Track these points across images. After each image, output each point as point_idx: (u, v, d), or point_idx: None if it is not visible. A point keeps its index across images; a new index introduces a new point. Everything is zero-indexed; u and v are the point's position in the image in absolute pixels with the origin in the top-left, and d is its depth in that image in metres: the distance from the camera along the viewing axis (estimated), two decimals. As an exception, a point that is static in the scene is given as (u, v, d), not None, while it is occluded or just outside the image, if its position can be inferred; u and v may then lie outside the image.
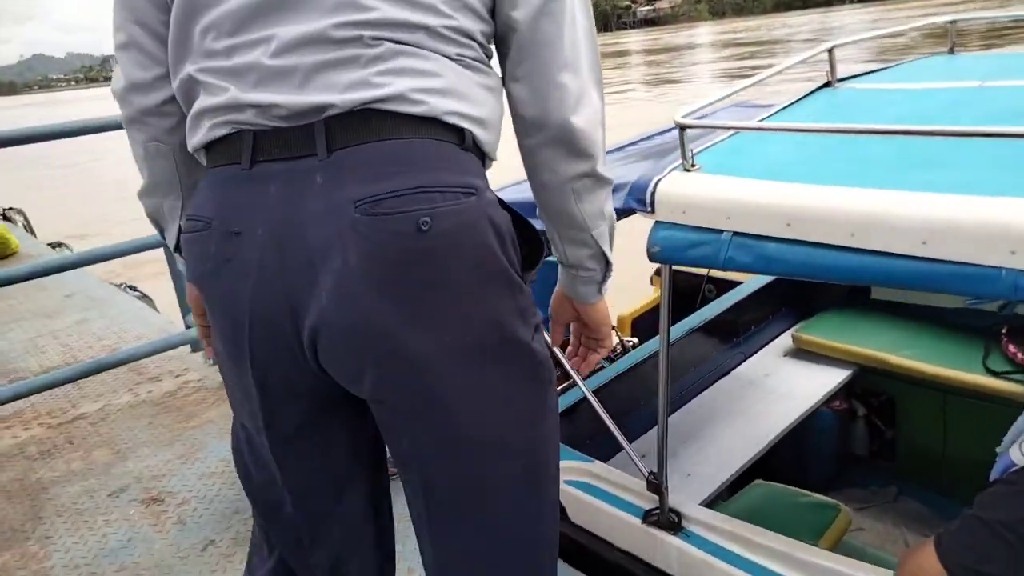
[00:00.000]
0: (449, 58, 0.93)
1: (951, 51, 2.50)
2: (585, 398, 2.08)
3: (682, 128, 1.61)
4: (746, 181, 1.55)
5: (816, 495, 2.20)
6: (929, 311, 2.81)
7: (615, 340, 3.23)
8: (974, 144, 1.45)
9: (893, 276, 1.30)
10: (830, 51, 2.15)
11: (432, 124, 0.91)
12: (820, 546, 1.93)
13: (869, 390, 2.81)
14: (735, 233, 1.50)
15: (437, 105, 0.91)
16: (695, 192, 1.58)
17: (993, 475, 1.56)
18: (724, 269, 1.56)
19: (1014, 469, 1.38)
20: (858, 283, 1.35)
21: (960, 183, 1.30)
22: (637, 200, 1.67)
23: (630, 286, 3.33)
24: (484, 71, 0.99)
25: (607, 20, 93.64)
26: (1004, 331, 2.46)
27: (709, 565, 1.75)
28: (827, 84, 2.19)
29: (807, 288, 3.16)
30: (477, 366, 0.96)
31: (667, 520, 1.85)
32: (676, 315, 2.46)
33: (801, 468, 2.69)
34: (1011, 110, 1.71)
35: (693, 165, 1.65)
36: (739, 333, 2.96)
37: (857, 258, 1.32)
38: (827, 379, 2.69)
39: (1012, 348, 2.43)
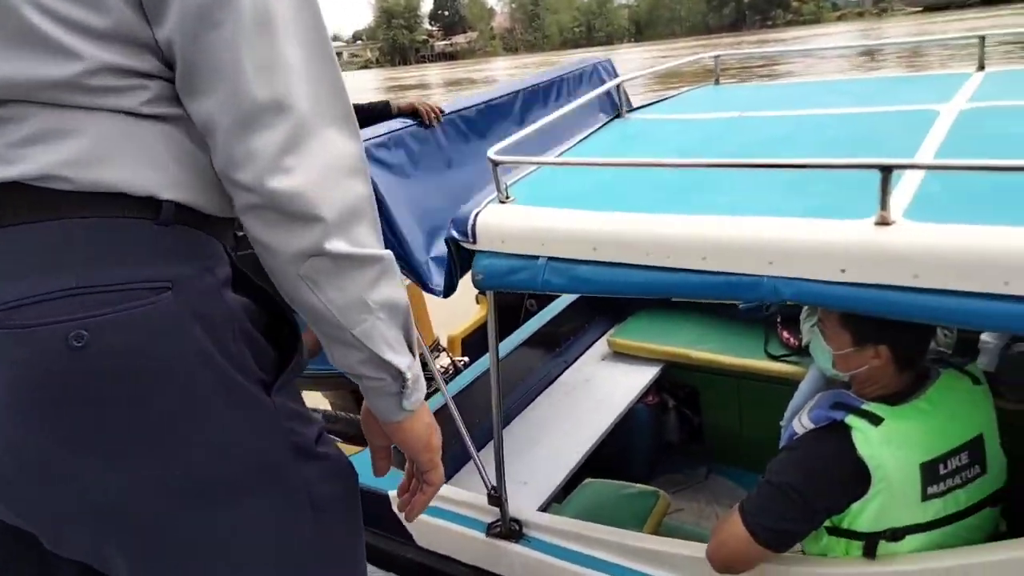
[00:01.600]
0: (113, 111, 0.69)
1: (716, 83, 2.89)
2: None
3: (495, 164, 1.73)
4: (556, 211, 1.71)
5: (638, 485, 2.41)
6: (721, 307, 3.18)
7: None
8: (738, 170, 1.73)
9: (683, 288, 1.53)
10: (618, 87, 2.43)
11: (100, 199, 0.68)
12: (644, 531, 2.13)
13: (677, 383, 3.13)
14: (550, 258, 1.65)
15: (96, 177, 0.67)
16: (511, 223, 1.72)
17: (781, 444, 1.83)
18: (542, 292, 1.72)
19: (796, 437, 1.63)
20: (655, 296, 1.58)
21: (729, 205, 1.54)
22: (460, 232, 1.78)
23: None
24: (173, 116, 0.74)
25: (405, 54, 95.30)
26: (779, 320, 2.86)
27: (550, 566, 1.87)
28: (618, 115, 2.47)
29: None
30: (197, 510, 0.74)
31: (509, 530, 1.94)
32: (502, 331, 2.57)
33: (625, 461, 2.92)
34: (764, 139, 2.04)
35: (508, 197, 1.78)
36: (560, 343, 3.17)
37: (653, 275, 1.53)
38: (640, 377, 2.97)
39: (786, 334, 2.83)
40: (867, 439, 1.47)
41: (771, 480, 1.57)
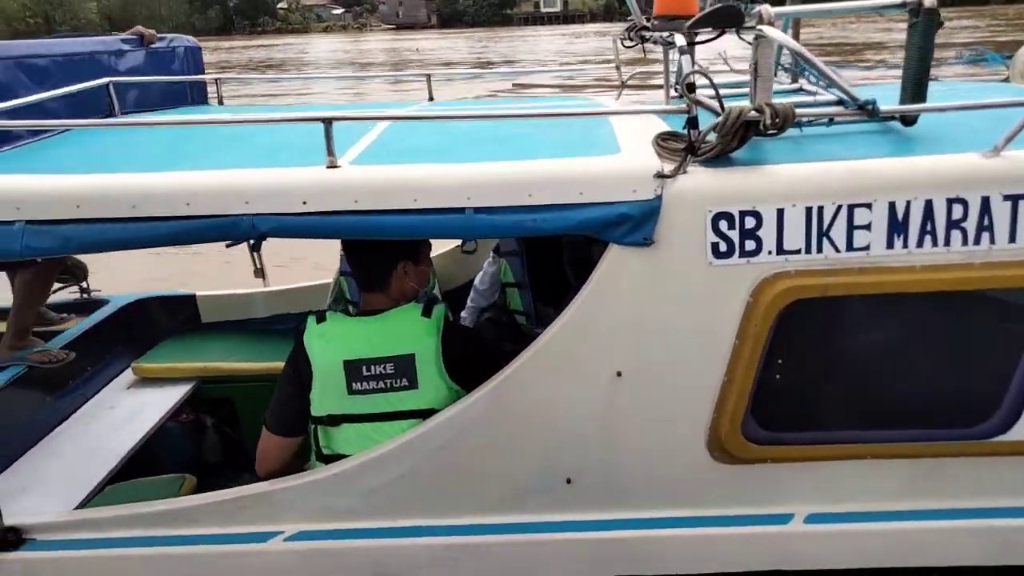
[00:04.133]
0: None
1: (220, 103, 2.97)
2: None
3: None
4: (32, 176, 1.73)
5: (164, 476, 2.39)
6: (250, 322, 3.33)
7: None
8: (223, 142, 1.97)
9: (166, 236, 1.69)
10: (109, 86, 2.45)
11: None
12: None
13: (214, 399, 3.04)
14: (28, 221, 1.65)
15: None
16: None
17: None
18: (23, 257, 1.72)
19: None
20: (143, 247, 1.72)
21: (210, 163, 1.78)
22: None
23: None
24: None
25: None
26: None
27: (63, 560, 1.85)
28: (110, 114, 2.48)
29: (142, 322, 3.28)
30: None
31: (4, 540, 1.84)
32: None
33: None
34: (257, 129, 2.24)
35: None
36: (77, 376, 2.88)
37: (140, 226, 1.66)
38: (170, 396, 2.85)
39: None
40: (311, 332, 1.89)
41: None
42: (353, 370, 1.82)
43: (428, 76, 3.00)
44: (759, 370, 1.72)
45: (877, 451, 1.81)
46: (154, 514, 1.87)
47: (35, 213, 1.65)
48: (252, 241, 1.89)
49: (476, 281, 2.96)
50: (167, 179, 1.69)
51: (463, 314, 2.97)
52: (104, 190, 1.66)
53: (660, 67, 2.15)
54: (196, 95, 2.94)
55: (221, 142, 2.11)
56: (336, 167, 1.70)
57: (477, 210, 1.66)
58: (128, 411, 2.76)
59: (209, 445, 3.02)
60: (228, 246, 2.22)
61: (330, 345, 1.85)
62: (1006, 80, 2.63)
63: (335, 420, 1.86)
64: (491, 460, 1.85)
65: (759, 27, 1.66)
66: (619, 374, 1.75)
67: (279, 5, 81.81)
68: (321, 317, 1.90)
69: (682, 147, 1.67)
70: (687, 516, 1.84)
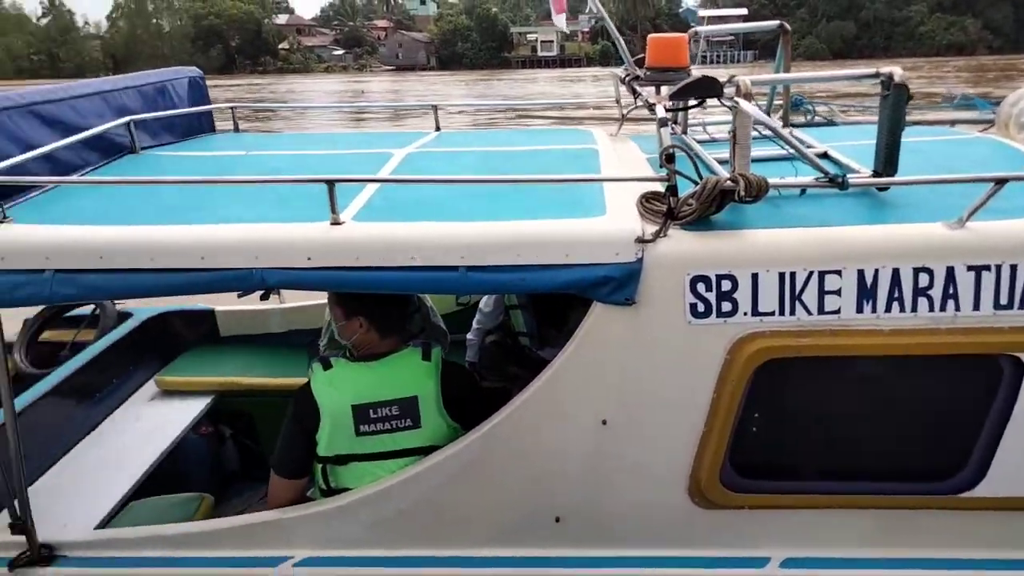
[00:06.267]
0: None
1: (236, 129, 3.14)
2: None
3: None
4: (60, 227, 1.83)
5: (182, 494, 2.52)
6: (266, 337, 3.43)
7: None
8: (234, 193, 2.08)
9: (189, 286, 1.79)
10: (129, 124, 2.55)
11: None
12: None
13: (233, 412, 3.22)
14: (56, 271, 1.76)
15: None
16: (11, 240, 1.79)
17: None
18: (52, 303, 1.77)
19: None
20: (164, 295, 1.85)
21: (223, 217, 1.89)
22: None
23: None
24: None
25: None
26: (317, 341, 3.11)
27: None
28: (132, 151, 2.58)
29: (164, 335, 3.42)
30: None
31: (38, 556, 1.95)
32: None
33: (183, 491, 2.85)
34: (264, 169, 2.43)
35: (5, 217, 1.84)
36: (103, 387, 3.01)
37: (160, 277, 1.77)
38: (190, 409, 2.99)
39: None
40: (317, 379, 2.00)
41: (285, 424, 2.05)
42: (361, 413, 1.96)
43: (435, 107, 3.14)
44: (736, 422, 1.82)
45: (850, 501, 1.90)
46: (173, 536, 2.00)
47: (63, 263, 1.76)
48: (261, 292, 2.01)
49: (481, 303, 3.05)
50: (182, 233, 1.81)
51: (469, 336, 3.03)
52: (124, 243, 1.78)
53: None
54: (205, 123, 3.10)
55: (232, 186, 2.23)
56: (339, 223, 1.82)
57: (470, 268, 1.76)
58: (151, 423, 2.90)
59: (228, 456, 3.19)
60: (239, 296, 2.39)
61: (338, 390, 1.97)
62: (991, 124, 2.72)
63: (343, 459, 1.99)
64: (486, 497, 1.96)
65: (735, 99, 1.78)
66: (604, 422, 1.85)
67: (280, 45, 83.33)
68: (326, 363, 2.01)
69: (663, 209, 1.78)
70: (670, 556, 1.94)
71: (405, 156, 2.51)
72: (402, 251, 1.77)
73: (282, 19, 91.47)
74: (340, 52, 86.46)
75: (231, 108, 3.14)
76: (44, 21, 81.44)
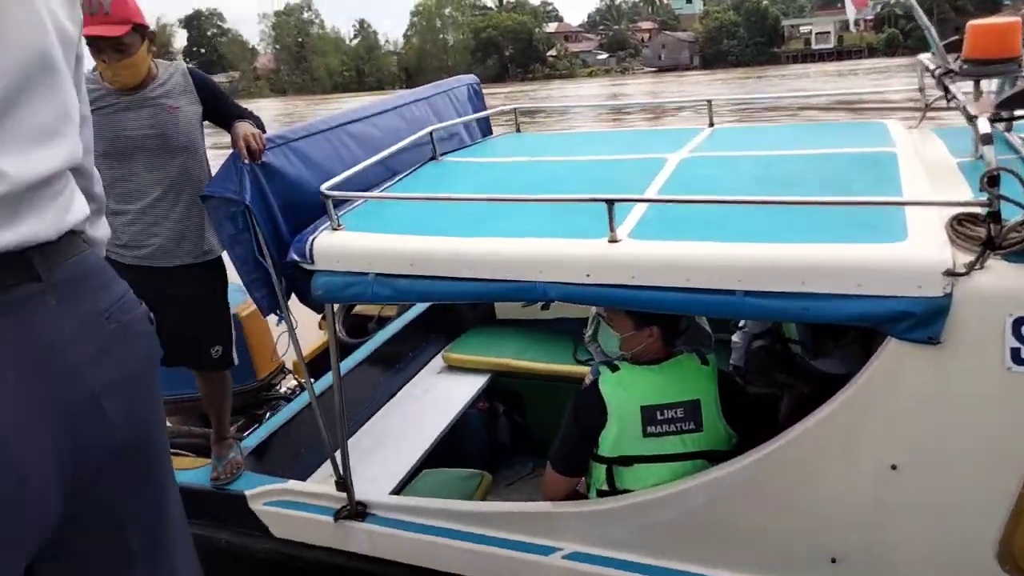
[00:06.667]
0: None
1: (517, 130, 3.44)
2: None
3: (325, 197, 2.10)
4: (380, 236, 2.12)
5: (466, 470, 2.85)
6: (537, 322, 3.69)
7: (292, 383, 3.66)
8: (521, 204, 2.22)
9: (476, 295, 2.04)
10: (431, 134, 2.83)
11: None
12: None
13: (505, 391, 3.58)
14: (377, 274, 2.04)
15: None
16: (343, 246, 2.10)
17: None
18: (372, 302, 2.23)
19: None
20: (462, 301, 2.05)
21: (511, 229, 2.04)
22: (299, 255, 2.11)
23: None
24: None
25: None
26: (584, 330, 3.29)
27: (391, 536, 2.26)
28: (433, 158, 2.88)
29: (450, 315, 3.86)
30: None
31: (355, 511, 2.28)
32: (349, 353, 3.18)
33: (462, 460, 3.25)
34: (545, 179, 2.60)
35: (339, 225, 2.15)
36: (401, 359, 3.53)
37: (457, 284, 1.98)
38: (470, 387, 3.37)
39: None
40: (606, 380, 2.09)
41: (565, 424, 2.18)
42: (649, 414, 2.03)
43: (709, 102, 3.13)
44: None
45: None
46: (459, 512, 2.24)
47: (381, 268, 2.05)
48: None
49: None
50: (477, 246, 2.00)
51: (734, 338, 2.91)
52: (429, 254, 2.03)
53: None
54: (484, 125, 3.43)
55: (517, 191, 2.42)
56: (616, 241, 1.87)
57: (748, 293, 1.71)
58: (438, 396, 3.33)
59: (500, 429, 3.58)
60: (524, 306, 2.58)
61: (627, 392, 2.07)
62: None
63: (627, 460, 2.07)
64: (758, 523, 1.92)
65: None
66: (894, 467, 1.71)
67: (549, 53, 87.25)
68: (613, 367, 2.13)
69: (980, 236, 1.58)
70: None
71: (679, 162, 2.53)
72: (677, 272, 1.78)
73: (551, 27, 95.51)
74: (604, 56, 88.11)
75: (514, 109, 3.45)
76: (355, 42, 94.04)
